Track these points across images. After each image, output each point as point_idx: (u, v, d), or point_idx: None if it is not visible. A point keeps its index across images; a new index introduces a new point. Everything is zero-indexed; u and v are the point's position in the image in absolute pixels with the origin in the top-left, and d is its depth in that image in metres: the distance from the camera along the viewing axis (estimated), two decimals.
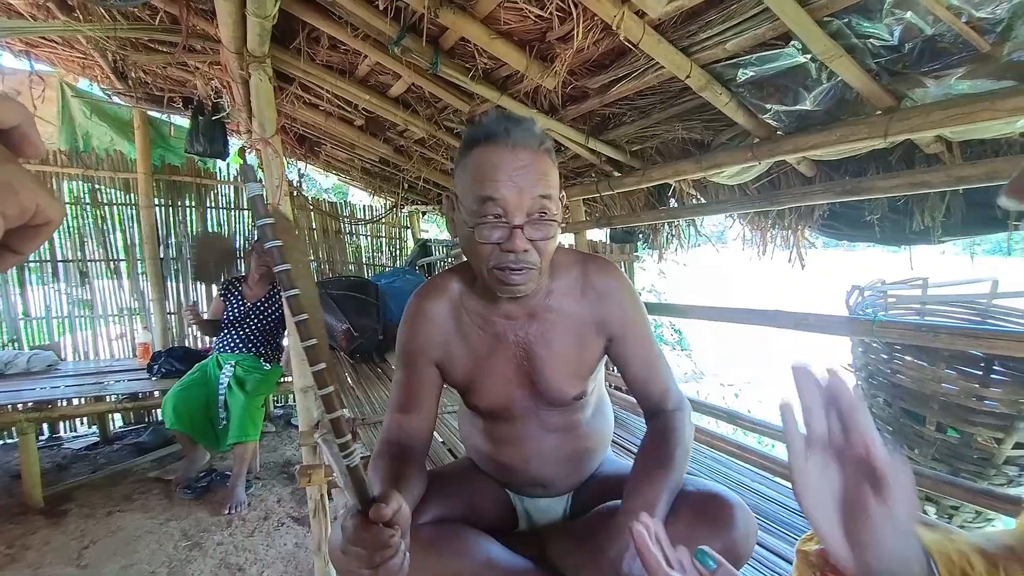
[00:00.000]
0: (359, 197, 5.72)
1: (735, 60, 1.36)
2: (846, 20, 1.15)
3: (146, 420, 3.92)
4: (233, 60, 1.93)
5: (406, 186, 3.84)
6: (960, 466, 1.49)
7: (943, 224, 1.51)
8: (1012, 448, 1.41)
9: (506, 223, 0.80)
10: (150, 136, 3.73)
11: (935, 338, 1.22)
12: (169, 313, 3.95)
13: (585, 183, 2.38)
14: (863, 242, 1.72)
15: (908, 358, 1.56)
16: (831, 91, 1.33)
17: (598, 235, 2.85)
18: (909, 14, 1.09)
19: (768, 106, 1.45)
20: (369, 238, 5.02)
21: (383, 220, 4.93)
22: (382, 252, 5.09)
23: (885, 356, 1.64)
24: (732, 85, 1.46)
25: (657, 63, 1.43)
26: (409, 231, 5.17)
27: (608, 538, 0.79)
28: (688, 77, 1.41)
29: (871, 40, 1.17)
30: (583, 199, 2.56)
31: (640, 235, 2.65)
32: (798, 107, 1.40)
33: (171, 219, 4.00)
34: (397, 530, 0.66)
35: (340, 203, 4.93)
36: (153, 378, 3.19)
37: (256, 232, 4.18)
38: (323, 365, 0.57)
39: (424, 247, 4.77)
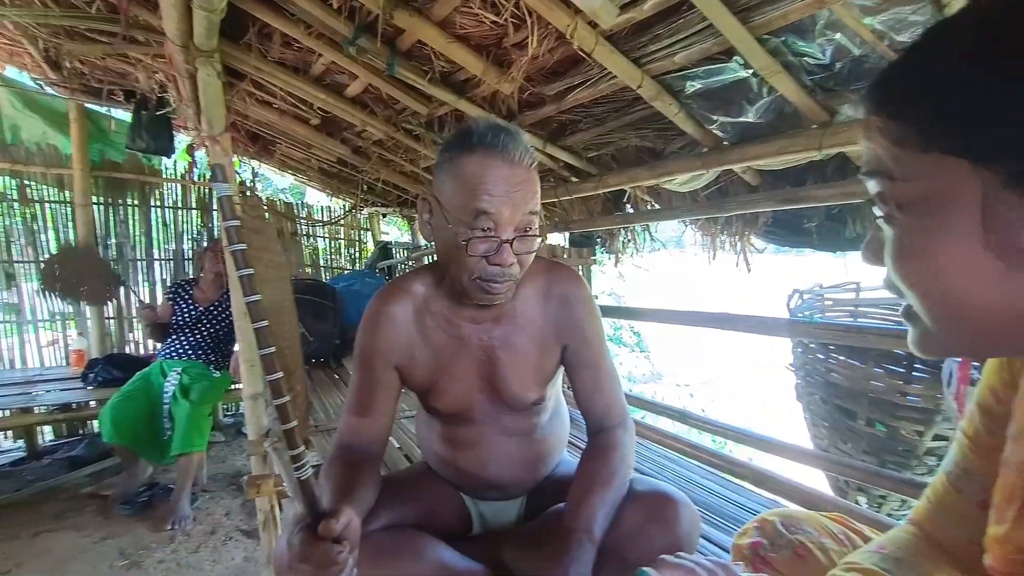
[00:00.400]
0: (317, 198, 5.58)
1: (684, 72, 1.42)
2: (783, 39, 1.22)
3: (81, 432, 3.65)
4: (178, 54, 1.85)
5: (365, 187, 3.77)
6: (887, 458, 1.61)
7: None
8: (931, 440, 1.53)
9: (495, 237, 0.80)
10: (88, 130, 3.50)
11: (864, 338, 1.30)
12: (107, 318, 3.72)
13: (544, 188, 2.41)
14: (802, 248, 1.82)
15: (841, 357, 1.67)
16: (771, 105, 1.41)
17: (557, 239, 2.89)
18: (839, 36, 1.17)
19: (715, 117, 1.51)
20: (327, 240, 4.89)
21: (341, 222, 4.82)
22: (340, 254, 4.97)
23: (821, 356, 1.75)
24: (681, 96, 1.52)
25: (610, 72, 1.47)
26: (369, 233, 5.08)
27: (554, 554, 0.79)
28: (640, 87, 1.46)
29: (806, 58, 1.25)
30: (542, 203, 2.59)
31: (598, 239, 2.71)
32: (742, 119, 1.47)
33: (111, 218, 3.77)
34: (345, 545, 0.65)
35: (296, 204, 4.79)
36: (89, 387, 2.99)
37: (222, 234, 4.00)
38: (280, 375, 0.56)
39: (385, 249, 4.69)
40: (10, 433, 3.47)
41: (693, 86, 1.43)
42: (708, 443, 2.40)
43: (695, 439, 2.01)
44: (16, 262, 3.51)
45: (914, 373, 1.51)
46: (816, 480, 1.78)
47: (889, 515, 1.61)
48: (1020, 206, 0.31)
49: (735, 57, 1.29)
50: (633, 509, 0.88)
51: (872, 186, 0.40)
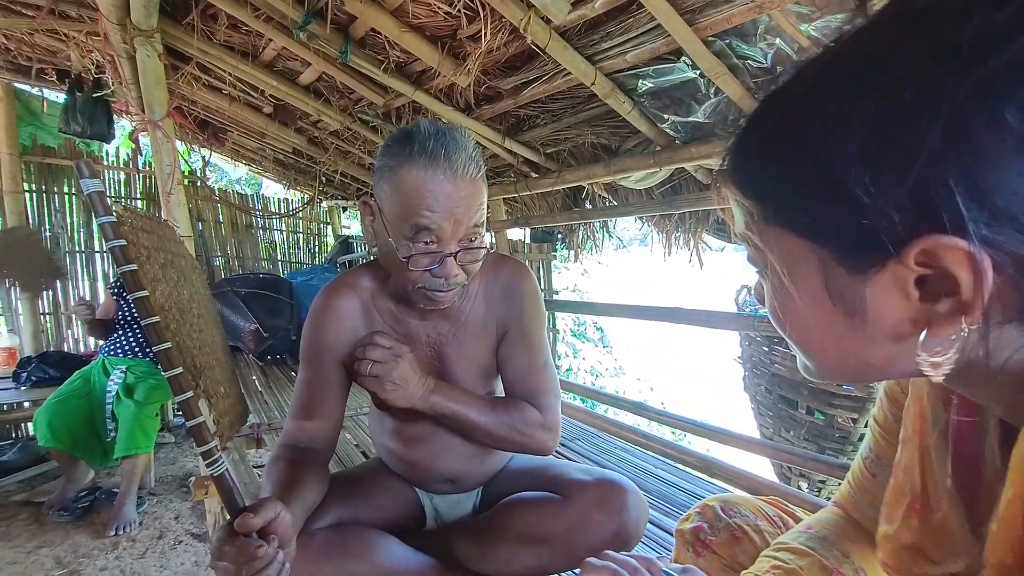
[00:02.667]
0: (274, 190, 5.39)
1: (635, 71, 1.45)
2: (727, 41, 1.26)
3: (13, 436, 3.42)
4: (115, 32, 1.74)
5: (323, 179, 3.67)
6: (825, 444, 1.70)
7: None
8: (864, 427, 1.62)
9: (438, 251, 0.78)
10: (16, 111, 3.26)
11: None
12: (43, 313, 3.48)
13: (504, 183, 2.41)
14: None
15: (783, 349, 1.75)
16: (718, 105, 1.46)
17: (518, 234, 2.90)
18: (778, 40, 1.22)
19: (666, 116, 1.55)
20: (285, 233, 4.73)
21: (299, 215, 4.67)
22: (299, 248, 4.82)
23: (766, 348, 1.83)
24: (634, 94, 1.54)
25: (565, 68, 1.48)
26: (329, 227, 4.95)
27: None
28: (593, 84, 1.47)
29: (749, 61, 1.29)
30: (503, 198, 2.59)
31: (559, 235, 2.74)
32: (692, 118, 1.51)
33: (46, 207, 3.52)
34: (272, 540, 0.63)
35: (252, 195, 4.61)
36: (21, 387, 2.80)
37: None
38: (179, 370, 0.54)
39: (346, 243, 4.58)
40: None
41: (645, 85, 1.46)
42: (668, 435, 2.47)
43: (653, 432, 2.07)
44: None
45: None
46: (762, 467, 1.86)
47: (828, 498, 1.70)
48: (850, 279, 0.32)
49: (683, 57, 1.33)
50: (581, 498, 0.90)
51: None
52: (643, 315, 1.81)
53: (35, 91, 3.32)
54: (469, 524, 1.05)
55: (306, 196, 4.39)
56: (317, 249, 4.92)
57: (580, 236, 2.47)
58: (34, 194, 3.47)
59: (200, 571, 2.23)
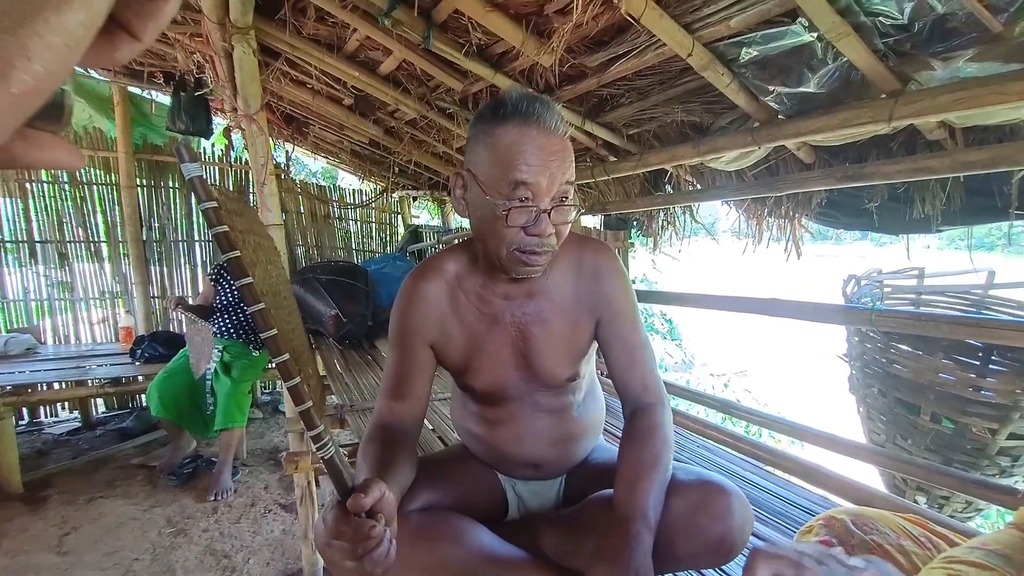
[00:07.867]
0: (349, 181, 5.63)
1: (739, 38, 1.32)
2: None
3: (130, 405, 3.84)
4: (215, 31, 1.85)
5: (396, 170, 3.76)
6: (953, 456, 1.49)
7: (943, 212, 1.48)
8: (1006, 439, 1.40)
9: (533, 207, 0.80)
10: (130, 114, 3.60)
11: (936, 328, 1.20)
12: (153, 297, 3.86)
13: (580, 168, 2.33)
14: (860, 230, 1.69)
15: (905, 348, 1.55)
16: (836, 72, 1.30)
17: (591, 222, 2.81)
18: None
19: (771, 88, 1.40)
20: (359, 223, 4.93)
21: (372, 205, 4.84)
22: (372, 238, 5.00)
23: (881, 346, 1.63)
24: (735, 65, 1.41)
25: (658, 40, 1.38)
26: (399, 217, 5.09)
27: (613, 546, 0.76)
28: (690, 56, 1.36)
29: (880, 18, 1.13)
30: (577, 184, 2.51)
31: (634, 223, 2.62)
32: (801, 89, 1.36)
33: (154, 201, 3.88)
34: (380, 519, 0.64)
35: (329, 187, 4.83)
36: (136, 362, 3.12)
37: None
38: (286, 356, 0.54)
39: (415, 233, 4.70)
40: (66, 405, 3.68)
41: (749, 53, 1.33)
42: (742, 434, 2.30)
43: (731, 428, 1.93)
44: (68, 242, 3.66)
45: (991, 366, 1.39)
46: (868, 476, 1.68)
47: (951, 516, 1.50)
48: None
49: (799, 19, 1.19)
50: (680, 499, 0.84)
51: None
52: (740, 307, 1.67)
53: (145, 94, 3.65)
54: (557, 518, 1.03)
55: (379, 187, 4.53)
56: (388, 238, 5.08)
57: (660, 223, 2.35)
58: (144, 188, 3.83)
59: (287, 539, 2.39)
